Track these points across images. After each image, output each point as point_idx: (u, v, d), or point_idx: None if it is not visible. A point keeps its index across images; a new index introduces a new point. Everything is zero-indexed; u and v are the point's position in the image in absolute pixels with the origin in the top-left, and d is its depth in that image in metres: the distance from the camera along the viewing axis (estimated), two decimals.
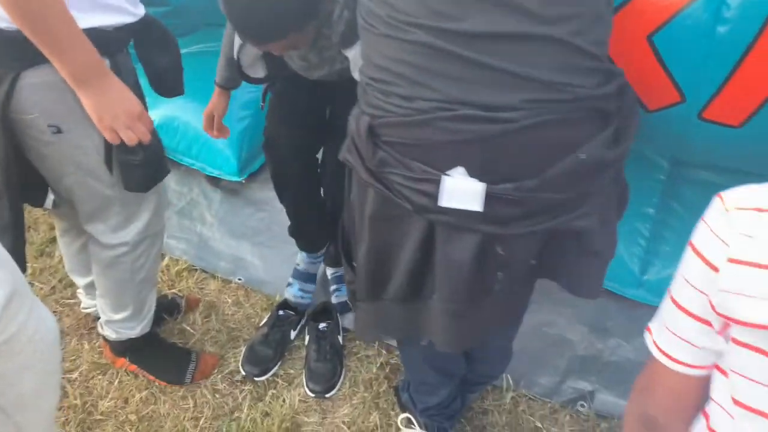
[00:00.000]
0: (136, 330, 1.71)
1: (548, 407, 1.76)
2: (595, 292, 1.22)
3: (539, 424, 1.72)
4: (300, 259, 2.02)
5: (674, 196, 1.90)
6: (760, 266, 0.71)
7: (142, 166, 1.35)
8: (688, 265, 0.78)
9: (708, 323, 0.78)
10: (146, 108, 1.35)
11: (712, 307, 0.76)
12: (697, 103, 1.24)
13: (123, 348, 1.77)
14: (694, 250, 0.77)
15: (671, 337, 0.83)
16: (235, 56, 1.49)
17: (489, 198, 1.00)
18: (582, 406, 1.75)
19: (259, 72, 1.57)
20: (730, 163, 1.51)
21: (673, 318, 0.82)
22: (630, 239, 1.92)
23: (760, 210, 0.72)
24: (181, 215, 2.29)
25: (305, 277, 2.01)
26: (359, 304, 1.26)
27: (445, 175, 1.00)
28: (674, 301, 0.82)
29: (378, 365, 1.85)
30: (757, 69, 1.16)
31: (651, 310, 1.87)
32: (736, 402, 0.79)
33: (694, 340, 0.81)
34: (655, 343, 0.86)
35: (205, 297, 2.05)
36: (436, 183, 1.00)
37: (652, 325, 0.88)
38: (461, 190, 1.00)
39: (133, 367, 1.80)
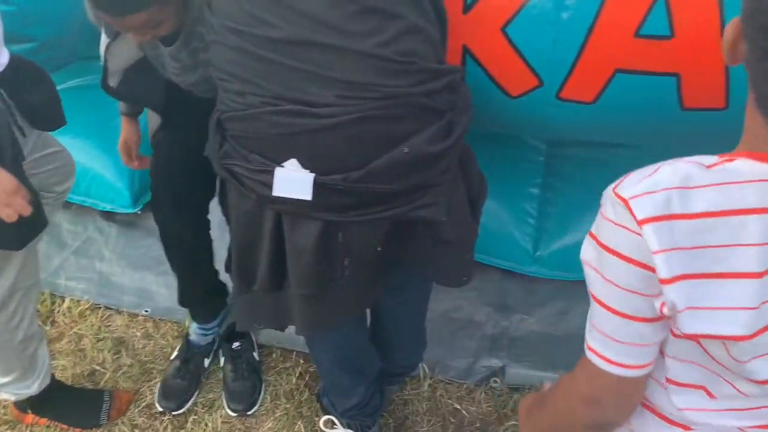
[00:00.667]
0: (33, 388, 1.61)
1: (464, 388, 1.84)
2: (455, 280, 1.31)
3: (457, 406, 1.80)
4: (191, 329, 1.88)
5: (555, 174, 2.03)
6: (716, 275, 0.67)
7: (17, 224, 1.25)
8: (619, 271, 0.71)
9: (659, 319, 0.73)
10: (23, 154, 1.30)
11: (662, 310, 0.70)
12: (553, 85, 1.34)
13: (26, 405, 1.70)
14: (618, 255, 0.70)
15: (622, 347, 0.75)
16: (102, 57, 1.43)
17: (321, 188, 1.09)
18: (495, 382, 1.84)
19: (114, 81, 1.47)
20: (592, 137, 1.64)
21: (619, 329, 0.74)
22: (520, 219, 2.03)
23: (670, 218, 0.66)
24: (78, 255, 2.22)
25: (197, 346, 1.88)
26: (236, 296, 1.31)
27: (279, 166, 1.08)
28: (618, 313, 0.73)
29: (297, 375, 1.87)
30: (600, 48, 1.27)
31: (546, 282, 2.00)
32: (668, 380, 0.79)
33: (649, 339, 0.75)
34: (604, 358, 0.77)
35: (113, 334, 2.00)
36: (272, 174, 1.09)
37: (593, 343, 0.77)
38: (292, 181, 1.09)
39: (44, 420, 1.73)
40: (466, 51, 1.36)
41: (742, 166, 0.67)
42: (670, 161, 0.70)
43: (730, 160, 0.68)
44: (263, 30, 1.04)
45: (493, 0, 1.30)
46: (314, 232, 1.12)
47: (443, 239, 1.22)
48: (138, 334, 2.01)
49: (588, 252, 0.75)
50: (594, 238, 0.74)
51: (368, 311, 1.52)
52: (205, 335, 1.87)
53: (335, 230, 1.14)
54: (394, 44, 1.07)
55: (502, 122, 1.53)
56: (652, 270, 0.67)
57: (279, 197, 1.09)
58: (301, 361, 1.90)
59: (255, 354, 1.90)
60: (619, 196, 0.69)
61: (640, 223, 0.67)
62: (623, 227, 0.69)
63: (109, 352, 1.94)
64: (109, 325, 2.04)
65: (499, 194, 2.01)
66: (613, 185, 0.71)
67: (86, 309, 2.06)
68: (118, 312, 2.06)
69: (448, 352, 1.90)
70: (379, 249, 1.19)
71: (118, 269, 2.17)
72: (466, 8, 1.31)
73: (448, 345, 1.91)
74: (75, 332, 1.99)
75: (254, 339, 1.93)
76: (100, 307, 2.07)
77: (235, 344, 1.87)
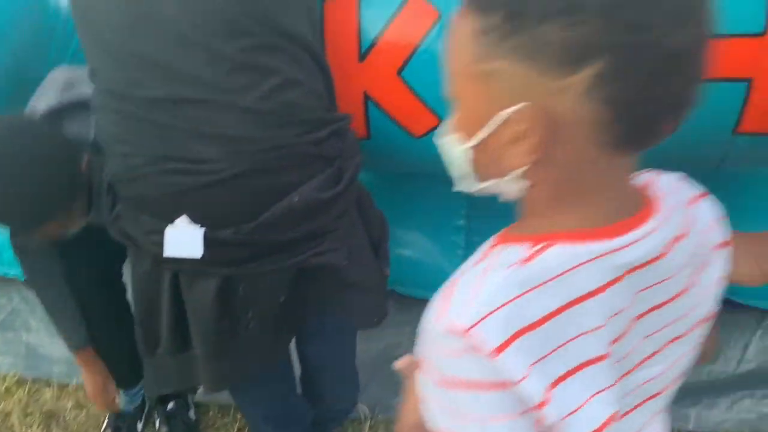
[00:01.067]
0: None
1: None
2: (366, 322, 1.32)
3: None
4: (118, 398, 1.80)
5: (477, 205, 2.08)
6: (573, 371, 0.61)
7: None
8: (488, 403, 0.59)
9: None
10: None
11: (541, 422, 0.61)
12: None
13: None
14: (479, 386, 0.59)
15: None
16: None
17: (213, 243, 1.09)
18: None
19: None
20: None
21: None
22: (450, 252, 2.06)
23: (522, 333, 0.58)
24: (3, 328, 2.15)
25: (126, 413, 1.82)
26: (144, 360, 1.30)
27: (170, 225, 1.09)
28: None
29: (236, 431, 1.84)
30: None
31: None
32: None
33: None
34: None
35: (42, 407, 1.94)
36: (162, 234, 1.09)
37: None
38: (183, 239, 1.09)
39: None
40: (366, 97, 1.39)
41: (563, 251, 0.60)
42: (478, 268, 0.63)
43: (548, 246, 0.61)
44: (141, 91, 1.06)
45: (386, 46, 1.34)
46: (212, 288, 1.12)
47: (347, 282, 1.23)
48: (69, 404, 1.95)
49: (433, 396, 0.63)
50: (432, 377, 0.62)
51: (297, 361, 1.51)
52: (132, 400, 1.83)
53: (235, 284, 1.14)
54: (273, 97, 1.08)
55: (410, 162, 1.57)
56: (512, 384, 0.58)
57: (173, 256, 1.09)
58: (239, 416, 1.87)
59: (191, 413, 1.86)
60: (453, 331, 0.58)
61: (495, 352, 0.57)
62: (472, 354, 0.58)
63: (38, 427, 1.87)
64: (38, 399, 1.97)
65: (427, 229, 2.05)
66: (432, 317, 0.61)
67: (12, 384, 1.99)
68: (47, 384, 2.00)
69: (388, 390, 1.89)
70: (282, 299, 1.19)
71: (47, 339, 2.11)
72: (362, 56, 1.34)
73: (388, 383, 1.91)
74: (1, 410, 1.91)
75: (190, 397, 1.89)
76: (27, 381, 2.01)
77: (170, 405, 1.83)
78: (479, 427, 0.60)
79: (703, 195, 0.74)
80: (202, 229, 1.09)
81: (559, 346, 0.60)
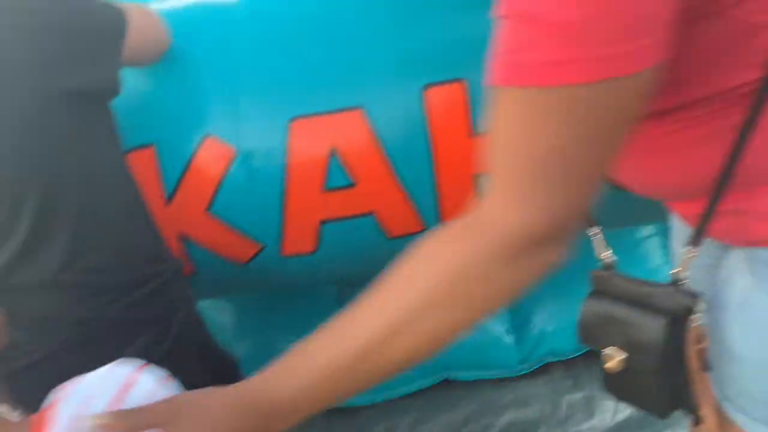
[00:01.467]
0: None
1: None
2: None
3: None
4: None
5: (348, 298, 2.10)
6: None
7: None
8: None
9: None
10: None
11: None
12: (274, 245, 1.41)
13: None
14: None
15: None
16: None
17: None
18: None
19: None
20: (327, 280, 1.71)
21: None
22: None
23: None
24: None
25: None
26: None
27: None
28: None
29: None
30: (298, 207, 1.35)
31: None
32: None
33: None
34: None
35: None
36: None
37: None
38: None
39: None
40: (182, 236, 1.41)
41: None
42: None
43: None
44: None
45: (190, 188, 1.36)
46: None
47: None
48: None
49: None
50: None
51: None
52: None
53: None
54: (74, 265, 1.07)
55: (244, 286, 1.59)
56: None
57: None
58: None
59: None
60: None
61: None
62: None
63: None
64: None
65: (304, 331, 2.05)
66: None
67: None
68: None
69: None
70: None
71: None
72: (167, 201, 1.37)
73: None
74: None
75: None
76: None
77: None
78: None
79: (141, 367, 0.76)
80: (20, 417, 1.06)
81: None
